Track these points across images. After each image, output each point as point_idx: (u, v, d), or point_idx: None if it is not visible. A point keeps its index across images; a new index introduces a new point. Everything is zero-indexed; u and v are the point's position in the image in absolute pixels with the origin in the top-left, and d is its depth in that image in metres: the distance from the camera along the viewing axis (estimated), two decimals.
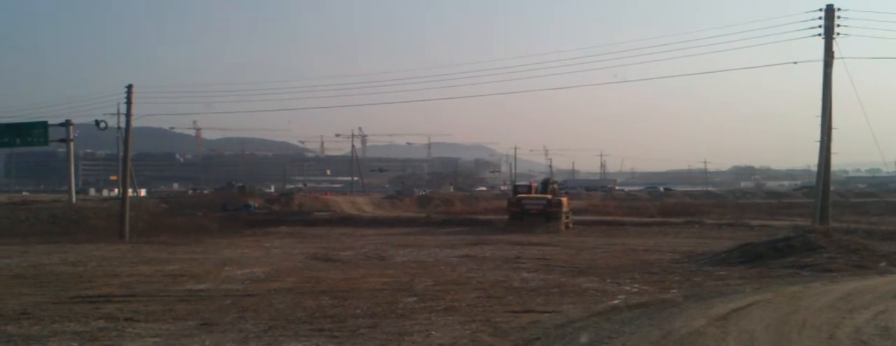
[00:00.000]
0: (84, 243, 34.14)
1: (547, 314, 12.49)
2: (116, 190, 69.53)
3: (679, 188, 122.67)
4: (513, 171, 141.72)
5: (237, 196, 69.67)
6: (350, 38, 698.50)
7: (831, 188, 37.36)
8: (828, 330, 10.54)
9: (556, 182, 50.00)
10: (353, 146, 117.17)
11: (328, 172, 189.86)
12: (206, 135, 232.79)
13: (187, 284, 18.07)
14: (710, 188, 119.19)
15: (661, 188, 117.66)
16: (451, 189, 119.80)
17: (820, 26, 33.56)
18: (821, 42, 33.60)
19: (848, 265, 19.05)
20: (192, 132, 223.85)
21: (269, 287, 17.17)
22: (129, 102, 40.70)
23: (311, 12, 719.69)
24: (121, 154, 51.19)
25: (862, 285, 15.45)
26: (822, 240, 21.69)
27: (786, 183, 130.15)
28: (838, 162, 48.51)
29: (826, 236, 22.47)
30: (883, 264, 19.53)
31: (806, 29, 34.04)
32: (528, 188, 45.43)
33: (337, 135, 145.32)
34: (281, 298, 15.25)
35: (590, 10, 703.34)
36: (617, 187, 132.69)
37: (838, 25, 33.33)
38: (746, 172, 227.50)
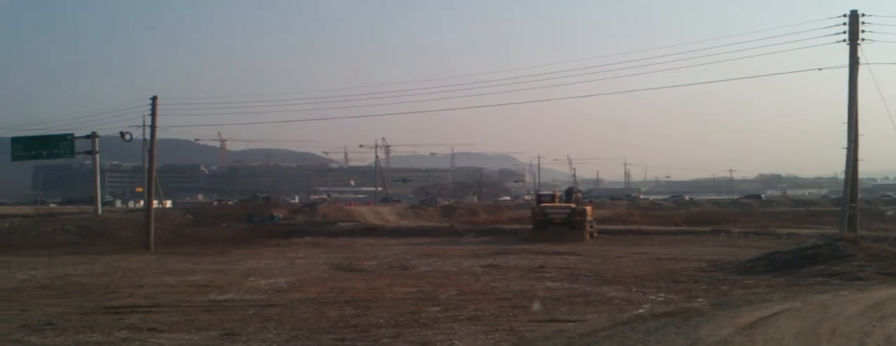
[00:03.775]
0: (110, 254, 34.31)
1: (571, 324, 12.38)
2: (142, 202, 69.90)
3: (704, 197, 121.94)
4: (537, 180, 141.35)
5: (262, 207, 69.98)
6: (372, 49, 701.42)
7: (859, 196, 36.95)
8: (857, 339, 10.36)
9: (580, 191, 49.79)
10: (376, 157, 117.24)
11: (352, 182, 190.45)
12: (231, 146, 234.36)
13: (211, 294, 18.10)
14: (736, 197, 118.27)
15: (686, 197, 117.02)
16: (475, 199, 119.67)
17: (844, 32, 33.32)
18: (846, 48, 33.34)
19: (877, 274, 18.80)
20: (217, 144, 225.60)
21: (292, 297, 17.16)
22: (153, 114, 40.91)
23: (334, 23, 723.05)
24: (146, 166, 51.51)
25: (892, 293, 15.22)
26: (850, 248, 21.45)
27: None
28: (866, 169, 48.00)
29: (854, 244, 22.21)
30: None
31: (831, 35, 33.83)
32: (552, 197, 45.23)
33: (361, 145, 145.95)
34: (304, 308, 15.23)
35: (613, 18, 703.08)
36: (641, 196, 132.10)
37: (863, 31, 33.09)
38: (773, 180, 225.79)
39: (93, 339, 12.00)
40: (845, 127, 33.90)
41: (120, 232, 44.86)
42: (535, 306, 15.32)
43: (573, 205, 42.30)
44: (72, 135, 51.46)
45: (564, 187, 55.83)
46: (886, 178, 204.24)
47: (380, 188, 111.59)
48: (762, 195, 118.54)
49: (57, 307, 15.91)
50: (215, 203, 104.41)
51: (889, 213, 61.95)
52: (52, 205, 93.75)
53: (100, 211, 55.55)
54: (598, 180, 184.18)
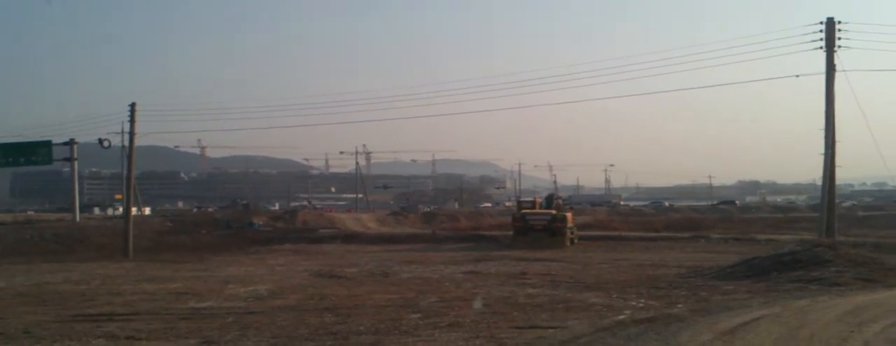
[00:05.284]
0: (88, 261, 34.02)
1: (552, 330, 12.40)
2: (121, 209, 69.43)
3: (684, 203, 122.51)
4: (518, 187, 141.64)
5: (242, 214, 69.70)
6: (354, 56, 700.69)
7: (841, 203, 37.22)
8: (836, 344, 10.44)
9: (560, 197, 49.84)
10: (357, 163, 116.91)
11: (333, 189, 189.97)
12: (211, 153, 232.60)
13: (190, 302, 18.00)
14: (714, 203, 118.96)
15: (666, 203, 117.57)
16: (456, 205, 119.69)
17: (821, 39, 33.53)
18: (822, 55, 33.58)
19: (855, 279, 18.94)
20: (197, 150, 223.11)
21: (272, 305, 17.10)
22: (132, 121, 40.70)
23: (314, 28, 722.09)
24: (125, 173, 51.18)
25: (870, 298, 15.34)
26: (828, 254, 21.59)
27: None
28: (844, 175, 48.34)
29: (832, 249, 22.36)
30: None
31: (807, 42, 34.03)
32: (533, 204, 45.28)
33: (341, 152, 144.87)
34: (284, 315, 15.17)
35: (592, 25, 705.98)
36: (622, 203, 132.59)
37: (839, 38, 33.30)
38: (752, 186, 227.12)
39: None
40: (823, 133, 34.14)
41: (98, 239, 44.50)
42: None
43: (554, 211, 42.33)
44: (50, 142, 51.05)
45: (545, 194, 56.01)
46: (864, 183, 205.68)
47: (360, 195, 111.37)
48: (737, 201, 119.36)
49: (34, 315, 15.78)
50: (195, 210, 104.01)
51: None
52: (30, 212, 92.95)
53: (78, 218, 55.14)
54: (578, 187, 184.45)
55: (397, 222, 68.46)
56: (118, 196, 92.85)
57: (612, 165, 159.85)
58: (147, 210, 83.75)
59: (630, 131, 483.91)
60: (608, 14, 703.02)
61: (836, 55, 33.29)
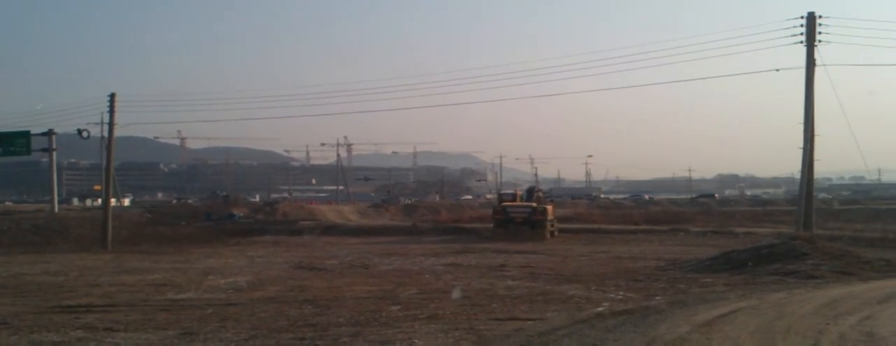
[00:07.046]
0: (66, 252, 33.82)
1: (531, 322, 12.44)
2: (100, 200, 68.93)
3: (664, 196, 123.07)
4: (499, 179, 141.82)
5: (222, 206, 69.40)
6: (335, 47, 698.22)
7: (818, 195, 37.41)
8: (812, 336, 10.54)
9: (541, 190, 49.93)
10: (338, 155, 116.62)
11: (313, 181, 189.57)
12: (191, 144, 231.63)
13: (169, 293, 17.94)
14: (693, 196, 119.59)
15: (646, 196, 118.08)
16: (437, 198, 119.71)
17: (801, 34, 33.67)
18: (803, 49, 33.73)
19: (832, 272, 19.14)
20: (177, 141, 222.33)
21: (251, 296, 17.06)
22: (111, 111, 40.40)
23: (297, 21, 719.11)
24: (104, 164, 50.77)
25: (846, 291, 15.49)
26: (806, 247, 21.79)
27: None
28: (822, 170, 48.62)
29: (810, 243, 22.56)
30: None
31: (788, 36, 34.15)
32: (514, 197, 45.30)
33: (322, 144, 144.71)
34: (263, 307, 15.15)
35: (574, 18, 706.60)
36: (602, 196, 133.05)
37: (820, 33, 33.44)
38: (731, 180, 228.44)
39: (48, 339, 11.85)
40: (802, 127, 34.33)
41: (77, 230, 44.14)
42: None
43: (534, 204, 42.42)
44: (28, 132, 50.45)
45: (526, 186, 56.04)
46: (842, 177, 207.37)
47: (341, 187, 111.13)
48: (716, 194, 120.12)
49: (11, 307, 15.69)
50: (174, 201, 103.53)
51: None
52: (7, 203, 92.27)
53: (56, 209, 54.71)
54: (559, 179, 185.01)
55: (378, 214, 68.41)
56: (97, 187, 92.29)
57: (590, 156, 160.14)
58: (126, 201, 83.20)
59: (610, 125, 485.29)
60: (589, 8, 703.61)
61: (816, 50, 33.46)
